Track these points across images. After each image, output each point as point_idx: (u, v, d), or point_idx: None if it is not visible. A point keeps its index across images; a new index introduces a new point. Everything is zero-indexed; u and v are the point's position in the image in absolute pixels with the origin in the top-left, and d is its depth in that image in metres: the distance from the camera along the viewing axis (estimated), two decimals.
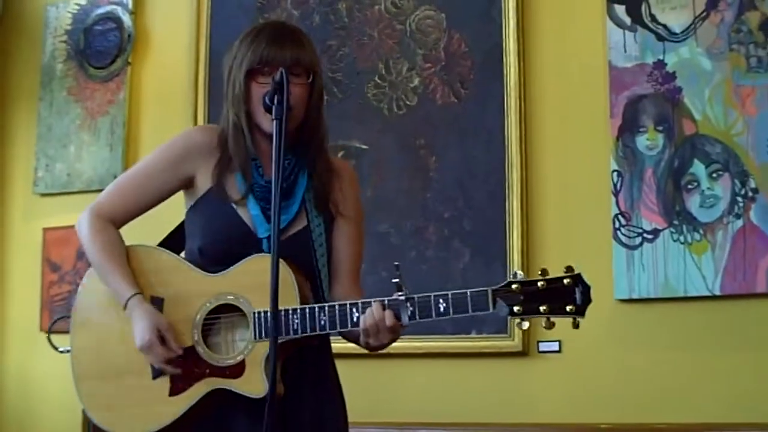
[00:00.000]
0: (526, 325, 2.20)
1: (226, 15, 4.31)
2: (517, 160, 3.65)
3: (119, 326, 2.37)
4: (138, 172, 2.48)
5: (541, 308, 2.17)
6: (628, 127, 3.51)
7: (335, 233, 2.47)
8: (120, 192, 2.47)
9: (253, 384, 2.25)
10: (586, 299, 2.17)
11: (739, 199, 3.32)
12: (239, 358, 2.28)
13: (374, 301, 2.24)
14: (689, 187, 3.41)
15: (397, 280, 2.22)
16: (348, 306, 2.26)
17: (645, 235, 3.43)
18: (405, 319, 2.22)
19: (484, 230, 3.69)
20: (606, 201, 3.50)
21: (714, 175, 3.38)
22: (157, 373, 2.33)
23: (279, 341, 2.22)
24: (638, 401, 3.40)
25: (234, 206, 2.38)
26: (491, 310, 2.19)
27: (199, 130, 2.57)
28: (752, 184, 3.31)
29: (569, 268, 2.19)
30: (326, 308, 2.27)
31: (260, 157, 2.41)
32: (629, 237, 3.45)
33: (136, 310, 2.32)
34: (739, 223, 3.31)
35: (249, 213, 2.37)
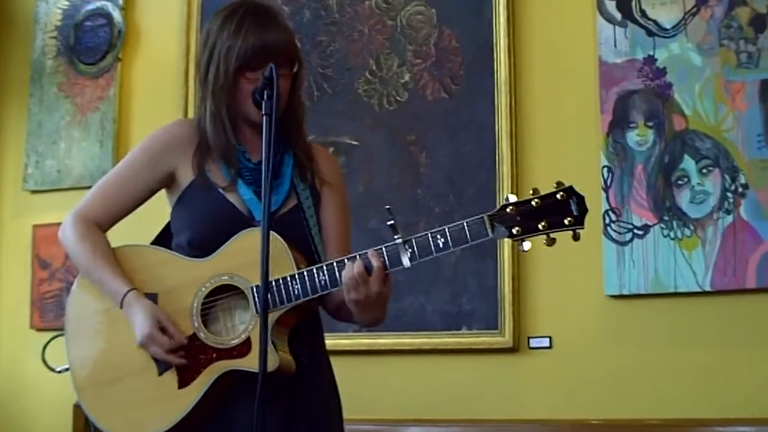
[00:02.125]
0: (527, 245, 2.17)
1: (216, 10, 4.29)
2: (507, 156, 3.65)
3: (116, 329, 2.34)
4: (119, 173, 2.45)
5: (540, 225, 2.15)
6: (619, 123, 3.51)
7: (323, 206, 2.46)
8: (102, 194, 2.44)
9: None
10: (583, 209, 2.16)
11: (729, 194, 3.32)
12: (244, 336, 2.25)
13: (371, 251, 2.21)
14: (679, 182, 3.41)
15: (391, 222, 2.20)
16: (345, 260, 2.23)
17: (635, 230, 3.43)
18: (406, 261, 2.20)
19: None
20: (596, 197, 3.49)
21: (704, 170, 3.38)
22: (163, 369, 2.29)
23: (283, 310, 2.23)
24: (629, 397, 3.40)
25: (222, 192, 2.36)
26: (490, 235, 2.17)
27: (176, 124, 2.53)
28: (742, 180, 3.31)
29: (559, 183, 2.18)
30: (324, 267, 2.25)
31: (244, 142, 2.40)
32: (619, 233, 3.45)
33: (133, 306, 2.30)
34: (729, 218, 3.31)
35: (241, 198, 2.36)
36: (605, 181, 3.49)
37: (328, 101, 4.01)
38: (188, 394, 2.26)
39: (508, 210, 2.17)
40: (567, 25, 3.68)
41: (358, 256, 2.23)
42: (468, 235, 2.18)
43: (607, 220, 3.47)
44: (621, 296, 3.44)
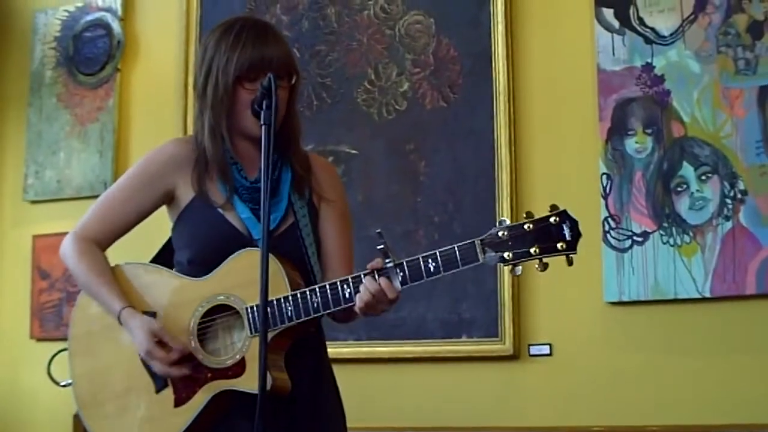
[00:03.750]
0: (519, 270, 2.16)
1: (215, 21, 4.24)
2: (506, 164, 3.66)
3: (116, 347, 2.36)
4: (117, 192, 2.46)
5: (532, 250, 2.12)
6: (617, 130, 3.51)
7: (322, 222, 2.46)
8: (101, 213, 2.45)
9: (255, 380, 2.20)
10: (576, 234, 2.14)
11: (728, 201, 3.33)
12: (238, 357, 2.26)
13: (364, 274, 2.21)
14: (678, 189, 3.41)
15: (381, 246, 2.19)
16: (338, 283, 2.24)
17: (635, 237, 3.44)
18: (397, 285, 2.19)
19: (475, 234, 3.60)
20: (595, 204, 3.50)
21: (703, 177, 3.39)
22: (160, 386, 2.30)
23: (276, 332, 2.23)
24: (629, 404, 3.40)
25: (221, 211, 2.37)
26: (481, 260, 2.15)
27: (174, 143, 2.51)
28: (741, 186, 3.32)
29: (553, 207, 2.16)
30: (317, 289, 2.25)
31: (240, 159, 2.40)
32: (619, 240, 3.46)
33: (130, 322, 2.31)
34: (729, 225, 3.32)
35: (238, 216, 2.36)
36: (604, 189, 3.50)
37: (327, 110, 4.02)
38: (184, 413, 2.28)
39: (500, 234, 2.15)
40: (565, 34, 3.69)
41: (351, 279, 2.23)
42: (459, 260, 2.17)
43: (607, 228, 3.47)
44: (621, 303, 3.44)
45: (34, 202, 4.58)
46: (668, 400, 3.35)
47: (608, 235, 3.46)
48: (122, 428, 2.33)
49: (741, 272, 3.28)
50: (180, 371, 2.27)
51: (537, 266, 2.15)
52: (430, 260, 2.18)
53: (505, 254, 2.14)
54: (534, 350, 3.56)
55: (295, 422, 2.31)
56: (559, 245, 2.13)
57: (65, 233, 2.50)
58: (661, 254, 3.39)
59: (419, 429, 3.62)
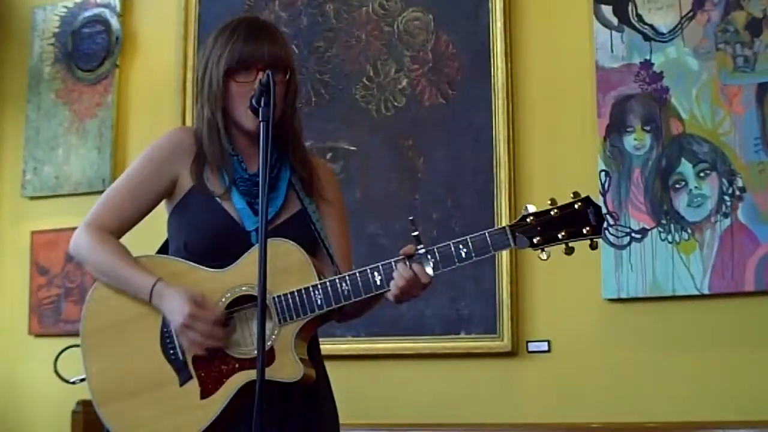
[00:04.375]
0: (545, 255, 2.22)
1: (213, 17, 4.30)
2: (504, 161, 3.66)
3: (135, 341, 2.34)
4: (127, 183, 2.44)
5: (560, 235, 2.20)
6: (616, 127, 3.51)
7: (323, 219, 2.46)
8: (112, 204, 2.43)
9: (287, 369, 2.22)
10: (600, 219, 2.21)
11: (727, 198, 3.33)
12: (268, 345, 2.23)
13: (396, 261, 2.25)
14: (677, 186, 3.42)
15: (416, 233, 2.23)
16: (368, 271, 2.26)
17: (633, 234, 3.44)
18: (429, 270, 2.24)
19: (473, 230, 3.61)
20: None
21: (701, 174, 3.39)
22: (185, 378, 2.28)
23: (306, 320, 2.25)
24: (627, 400, 3.40)
25: (219, 200, 2.37)
26: (513, 245, 2.22)
27: (178, 131, 2.53)
28: (739, 183, 3.32)
29: (576, 194, 2.23)
30: (347, 277, 2.26)
31: (240, 152, 2.42)
32: (617, 237, 3.46)
33: (165, 294, 2.29)
34: (727, 222, 3.32)
35: (234, 207, 2.37)
36: (603, 186, 3.50)
37: (325, 107, 4.02)
38: (212, 405, 2.26)
39: (528, 220, 2.21)
40: (564, 31, 3.69)
41: (381, 266, 2.26)
42: (490, 245, 2.22)
43: (605, 224, 3.47)
44: (619, 300, 3.45)
45: (32, 198, 4.58)
46: (667, 396, 3.35)
47: (607, 232, 3.47)
48: (146, 424, 2.30)
49: (739, 269, 3.28)
50: (217, 341, 2.26)
51: (564, 250, 2.22)
52: (461, 246, 2.23)
53: (535, 239, 2.21)
54: (532, 347, 3.56)
55: (288, 418, 2.31)
56: (585, 230, 2.20)
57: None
58: (660, 251, 3.39)
59: (417, 425, 3.62)
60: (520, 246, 2.22)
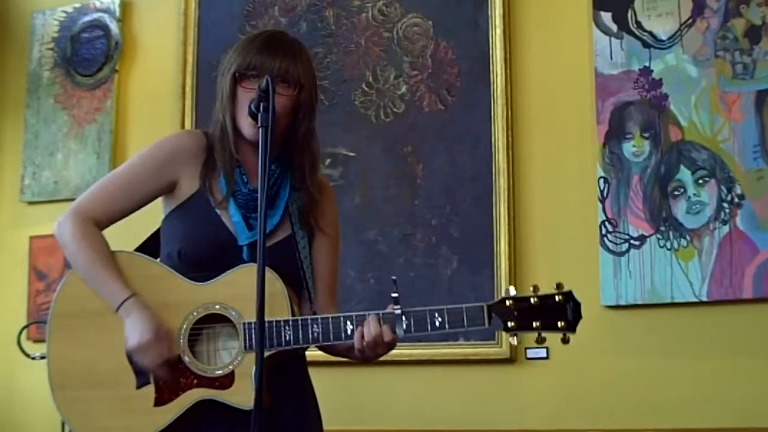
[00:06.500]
0: (515, 340, 2.25)
1: (213, 22, 4.31)
2: (504, 167, 3.66)
3: (101, 334, 2.33)
4: (124, 175, 2.44)
5: (534, 324, 2.22)
6: (615, 134, 3.52)
7: (314, 249, 2.47)
8: (104, 195, 2.42)
9: (242, 395, 2.23)
10: (577, 315, 2.23)
11: (726, 205, 3.33)
12: (229, 369, 2.27)
13: (369, 315, 2.25)
14: (676, 193, 3.42)
15: (396, 295, 2.25)
16: (342, 318, 2.27)
17: (632, 241, 3.44)
18: (400, 332, 2.25)
19: (472, 237, 3.70)
20: (593, 207, 3.50)
21: (700, 181, 3.39)
22: (141, 383, 2.29)
23: (270, 353, 2.24)
24: (626, 407, 3.40)
25: (218, 212, 2.37)
26: (487, 325, 2.23)
27: (186, 134, 2.56)
28: (738, 190, 3.32)
29: (559, 285, 2.25)
30: (319, 320, 2.27)
31: (244, 163, 2.41)
32: (616, 243, 3.46)
33: (135, 312, 2.28)
34: (726, 229, 3.32)
35: (230, 219, 2.36)
36: (601, 192, 3.50)
37: (324, 113, 3.99)
38: (163, 414, 2.27)
39: (507, 303, 2.24)
40: (563, 37, 3.69)
41: (354, 316, 2.27)
42: (465, 320, 2.24)
43: (604, 231, 3.47)
44: (617, 307, 3.44)
45: (31, 203, 4.57)
46: (665, 403, 3.35)
47: (605, 239, 3.47)
48: (96, 418, 2.31)
49: (738, 276, 3.28)
50: (166, 373, 2.27)
51: (535, 338, 2.24)
52: (437, 314, 2.24)
53: (509, 323, 2.24)
54: (531, 353, 3.56)
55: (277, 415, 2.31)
56: (559, 323, 2.23)
57: None
58: (658, 258, 3.39)
59: None
60: (494, 327, 2.25)
